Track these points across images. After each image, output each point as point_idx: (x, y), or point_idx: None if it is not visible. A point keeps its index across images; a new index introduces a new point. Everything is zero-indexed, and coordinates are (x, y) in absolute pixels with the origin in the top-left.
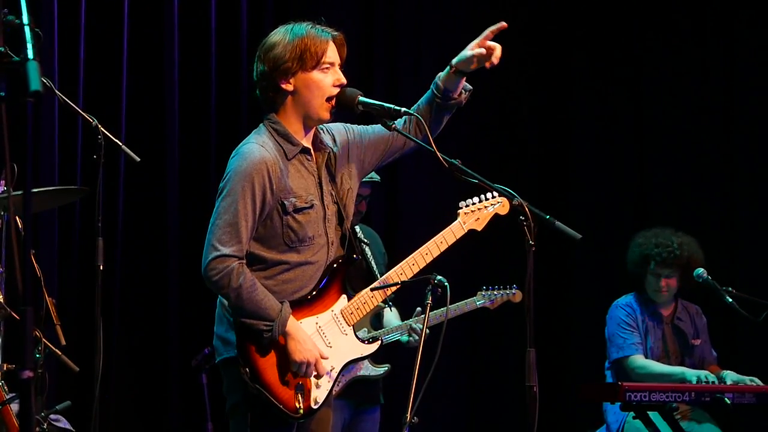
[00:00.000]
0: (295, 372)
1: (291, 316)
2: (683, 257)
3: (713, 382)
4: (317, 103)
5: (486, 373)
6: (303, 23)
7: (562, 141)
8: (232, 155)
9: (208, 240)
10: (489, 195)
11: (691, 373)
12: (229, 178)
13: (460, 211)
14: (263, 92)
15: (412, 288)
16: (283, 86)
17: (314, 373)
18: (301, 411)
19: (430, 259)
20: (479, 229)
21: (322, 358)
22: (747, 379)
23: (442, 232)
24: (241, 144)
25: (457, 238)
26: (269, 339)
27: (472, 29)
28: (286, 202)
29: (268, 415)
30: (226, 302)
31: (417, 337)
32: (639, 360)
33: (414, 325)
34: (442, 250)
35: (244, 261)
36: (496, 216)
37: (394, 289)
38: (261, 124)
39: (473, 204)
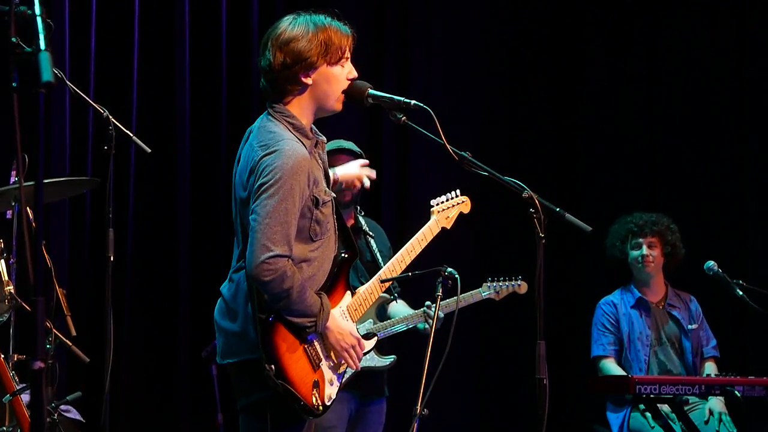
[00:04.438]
0: (336, 364)
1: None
2: (662, 224)
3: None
4: (335, 96)
5: (495, 365)
6: (319, 14)
7: (573, 134)
8: (267, 151)
9: (257, 239)
10: (454, 194)
11: None
12: (275, 176)
13: (433, 209)
14: (277, 83)
15: (421, 280)
16: (304, 79)
17: (357, 357)
18: (320, 408)
19: (414, 255)
20: (448, 227)
21: (359, 344)
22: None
23: (422, 230)
24: (273, 140)
25: (434, 235)
26: (310, 332)
27: (483, 18)
28: (317, 197)
29: (288, 413)
30: (236, 297)
31: (431, 323)
32: (607, 364)
33: (429, 311)
34: (423, 247)
35: (292, 260)
36: (461, 215)
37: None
38: (270, 115)
39: (443, 203)
